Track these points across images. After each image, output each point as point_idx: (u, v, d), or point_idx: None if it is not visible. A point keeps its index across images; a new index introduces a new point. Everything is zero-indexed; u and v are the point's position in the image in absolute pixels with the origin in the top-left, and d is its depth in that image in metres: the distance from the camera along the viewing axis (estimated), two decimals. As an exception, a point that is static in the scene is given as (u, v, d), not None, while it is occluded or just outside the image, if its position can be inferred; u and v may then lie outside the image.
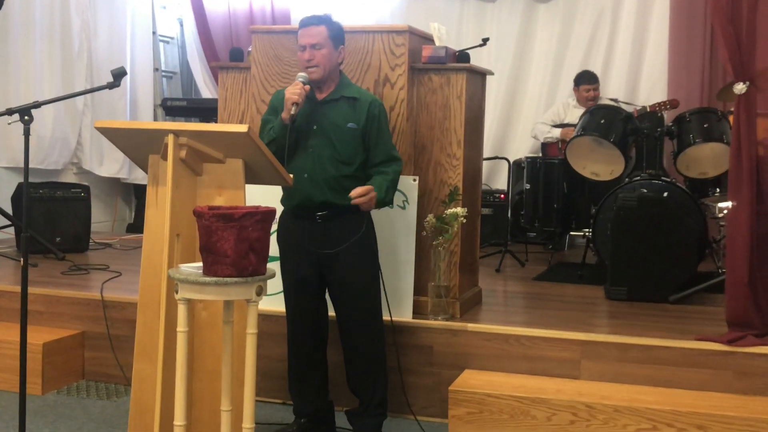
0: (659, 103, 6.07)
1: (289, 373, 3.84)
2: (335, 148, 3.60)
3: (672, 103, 6.07)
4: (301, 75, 3.58)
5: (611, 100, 6.80)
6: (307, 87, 3.56)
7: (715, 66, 7.05)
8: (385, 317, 3.90)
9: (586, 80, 6.87)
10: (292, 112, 3.50)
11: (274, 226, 3.85)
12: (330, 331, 3.84)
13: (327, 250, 3.60)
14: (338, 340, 3.81)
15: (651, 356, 3.88)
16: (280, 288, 4.15)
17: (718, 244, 5.46)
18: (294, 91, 3.51)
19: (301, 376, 3.81)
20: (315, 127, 3.61)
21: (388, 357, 3.88)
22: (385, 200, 3.64)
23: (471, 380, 3.93)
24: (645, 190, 5.22)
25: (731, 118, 4.67)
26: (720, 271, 5.16)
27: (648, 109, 5.99)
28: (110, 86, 3.81)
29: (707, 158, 5.54)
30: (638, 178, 5.46)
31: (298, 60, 3.67)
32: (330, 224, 3.62)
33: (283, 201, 3.75)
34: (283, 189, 3.70)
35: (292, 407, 3.90)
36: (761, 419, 3.48)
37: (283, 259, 3.77)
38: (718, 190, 5.70)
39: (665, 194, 5.20)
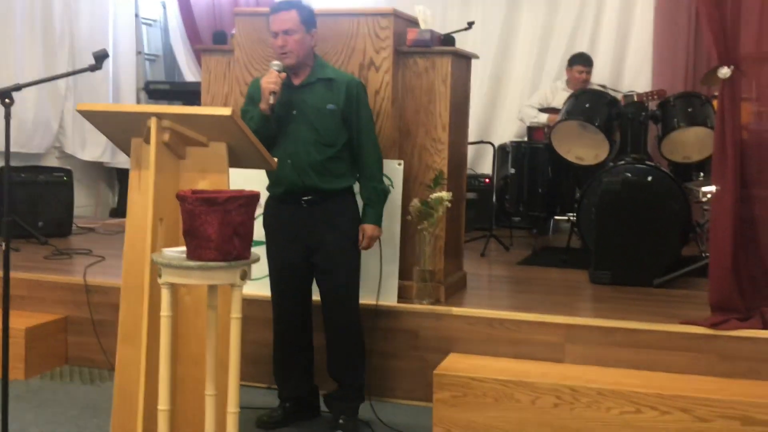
0: (646, 93, 6.07)
1: (274, 358, 3.85)
2: (317, 131, 3.60)
3: (659, 93, 6.06)
4: (275, 63, 3.57)
5: (600, 86, 6.79)
6: (283, 74, 3.54)
7: (700, 50, 7.05)
8: (371, 301, 3.90)
9: (581, 61, 6.85)
10: (271, 101, 3.49)
11: (259, 211, 3.84)
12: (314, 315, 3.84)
13: (313, 236, 3.62)
14: (322, 324, 3.80)
15: (635, 339, 3.90)
16: (265, 272, 4.14)
17: (702, 228, 5.48)
18: (270, 80, 3.49)
19: (286, 361, 3.81)
20: (294, 112, 3.60)
21: (374, 341, 3.89)
22: (381, 217, 3.75)
23: (456, 364, 3.94)
24: (629, 175, 5.22)
25: (715, 103, 4.67)
26: (704, 255, 5.18)
27: (635, 98, 5.98)
28: (92, 69, 3.77)
29: (691, 142, 5.55)
30: (622, 162, 5.47)
31: (272, 46, 3.64)
32: (316, 208, 3.62)
33: (268, 188, 3.74)
34: (269, 176, 3.70)
35: (276, 392, 3.90)
36: (744, 401, 3.50)
37: (270, 244, 3.76)
38: (702, 174, 5.72)
39: (649, 178, 5.21)
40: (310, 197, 3.61)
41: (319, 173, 3.59)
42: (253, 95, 3.67)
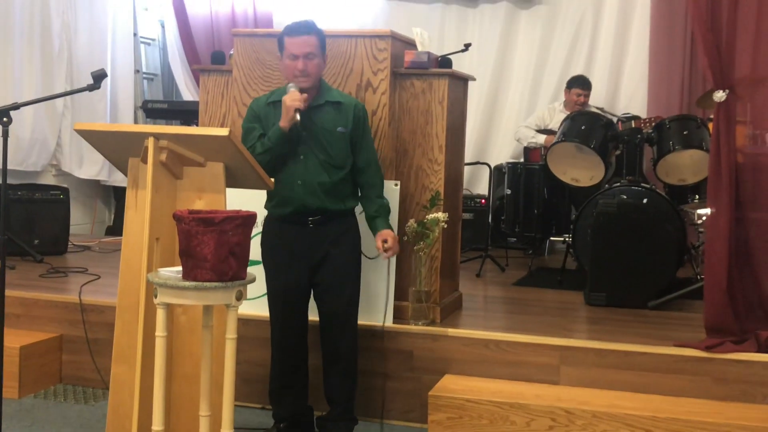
0: (644, 120, 6.10)
1: (272, 378, 3.82)
2: (327, 153, 3.61)
3: (656, 120, 6.10)
4: (292, 85, 3.57)
5: (597, 108, 6.83)
6: (305, 95, 3.55)
7: (695, 73, 7.10)
8: (368, 322, 3.91)
9: (579, 84, 6.89)
10: (297, 119, 3.48)
11: (254, 231, 3.84)
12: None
13: (317, 255, 3.63)
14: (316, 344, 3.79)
15: (630, 362, 3.90)
16: (260, 292, 4.14)
17: (697, 251, 5.50)
18: (294, 98, 3.50)
19: (284, 382, 3.78)
20: (305, 134, 3.60)
21: (370, 362, 3.88)
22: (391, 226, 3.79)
23: (451, 385, 3.93)
24: (625, 197, 5.24)
25: (711, 126, 4.70)
26: (699, 277, 5.19)
27: (633, 125, 6.00)
28: (90, 88, 3.79)
29: (687, 165, 5.57)
30: (618, 184, 5.48)
31: (285, 68, 3.62)
32: (321, 228, 3.63)
33: (270, 207, 3.73)
34: (272, 197, 3.69)
35: (271, 412, 3.89)
36: (738, 425, 3.50)
37: (269, 264, 3.74)
38: (697, 196, 5.74)
39: (645, 200, 5.23)
40: (317, 218, 3.62)
41: (329, 195, 3.61)
42: (258, 113, 3.68)
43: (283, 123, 3.52)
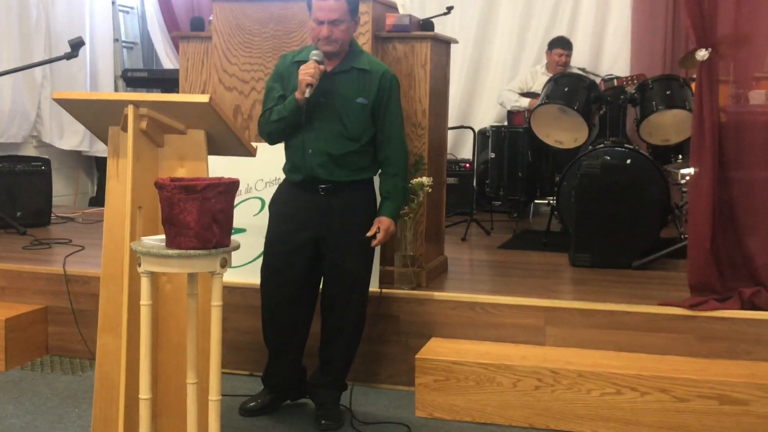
0: (626, 78, 6.10)
1: (268, 344, 3.73)
2: (343, 124, 3.48)
3: (639, 78, 6.10)
4: (316, 53, 3.40)
5: (579, 69, 6.82)
6: (323, 67, 3.40)
7: (678, 33, 7.09)
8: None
9: (560, 45, 6.89)
10: (307, 94, 3.36)
11: (238, 198, 3.83)
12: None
13: (326, 224, 3.51)
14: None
15: (614, 321, 3.93)
16: (246, 260, 4.14)
17: (681, 210, 5.52)
18: (308, 72, 3.35)
19: (279, 347, 3.70)
20: (323, 100, 3.46)
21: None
22: (398, 214, 3.64)
23: (437, 348, 3.96)
24: (608, 158, 5.25)
25: (694, 85, 4.70)
26: (682, 236, 5.22)
27: (615, 83, 6.01)
28: (68, 57, 3.76)
29: (670, 125, 5.58)
30: (601, 145, 5.49)
31: (311, 32, 3.47)
32: (333, 197, 3.51)
33: (286, 173, 3.62)
34: (287, 162, 3.60)
35: (261, 376, 3.89)
36: (722, 381, 3.54)
37: (276, 223, 3.61)
38: (680, 156, 5.75)
39: (628, 161, 5.24)
40: (328, 185, 3.50)
41: (339, 166, 3.48)
42: (282, 72, 3.54)
43: (298, 95, 3.40)
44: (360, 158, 3.54)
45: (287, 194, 3.63)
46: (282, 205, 3.64)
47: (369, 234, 3.55)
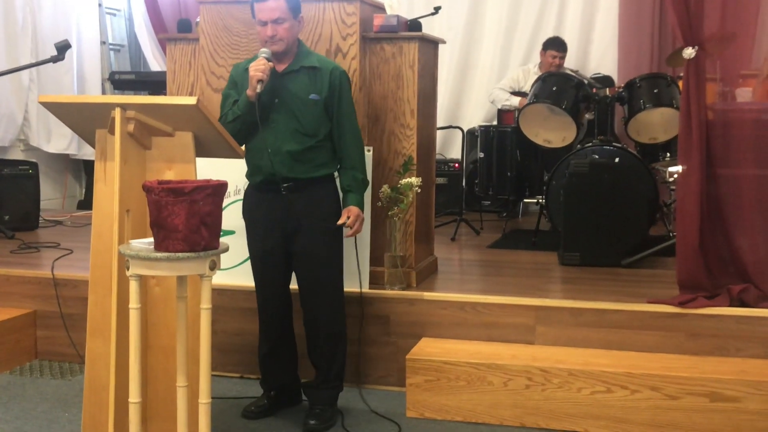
0: (616, 88, 6.11)
1: (259, 346, 3.78)
2: (298, 120, 3.55)
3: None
4: (264, 51, 3.51)
5: (571, 71, 6.83)
6: (271, 63, 3.49)
7: (665, 31, 7.12)
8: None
9: (555, 46, 6.87)
10: (258, 90, 3.43)
11: (227, 200, 3.83)
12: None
13: (292, 222, 3.57)
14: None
15: (604, 320, 3.94)
16: (235, 262, 4.14)
17: (669, 208, 5.54)
18: (258, 68, 3.44)
19: (272, 349, 3.75)
20: (276, 101, 3.55)
21: (347, 328, 3.87)
22: (363, 203, 3.69)
23: (428, 348, 3.96)
24: (596, 156, 5.26)
25: (681, 83, 4.72)
26: (671, 234, 5.24)
27: (608, 92, 5.99)
28: (54, 60, 3.74)
29: (657, 123, 5.60)
30: (590, 144, 5.50)
31: (258, 35, 3.58)
32: (295, 196, 3.57)
33: (247, 176, 3.69)
34: (248, 164, 3.65)
35: (258, 381, 3.88)
36: (712, 378, 3.55)
37: (249, 232, 3.72)
38: (668, 154, 5.77)
39: (616, 160, 5.25)
40: (289, 184, 3.56)
41: (298, 162, 3.55)
42: (236, 79, 3.63)
43: (249, 92, 3.48)
44: (318, 154, 3.60)
45: (253, 199, 3.71)
46: (250, 212, 3.72)
47: (339, 222, 3.61)
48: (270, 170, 3.55)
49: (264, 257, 3.66)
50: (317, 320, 3.69)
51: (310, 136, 3.57)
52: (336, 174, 3.72)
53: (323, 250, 3.64)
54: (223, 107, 3.65)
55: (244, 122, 3.53)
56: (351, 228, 3.62)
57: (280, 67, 3.58)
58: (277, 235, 3.62)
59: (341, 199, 3.68)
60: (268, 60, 3.49)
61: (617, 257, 4.86)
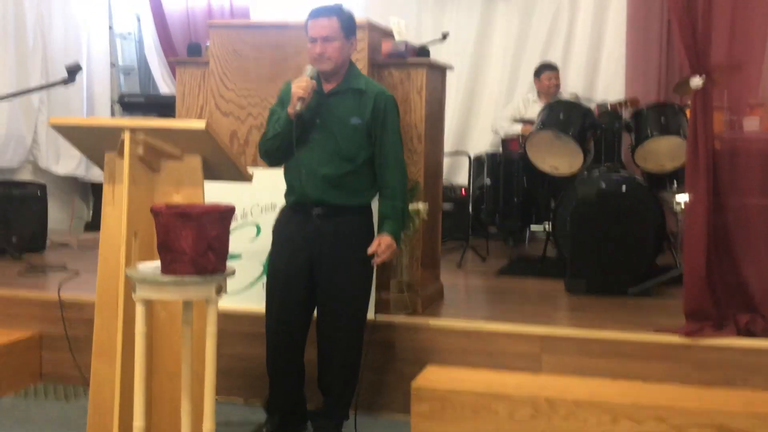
0: (619, 102, 6.14)
1: (269, 370, 3.70)
2: (338, 144, 3.49)
3: (632, 102, 6.14)
4: (309, 68, 3.47)
5: (572, 95, 6.84)
6: (314, 82, 3.44)
7: (672, 60, 7.13)
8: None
9: (546, 68, 6.93)
10: (298, 108, 3.38)
11: (234, 224, 3.83)
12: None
13: (317, 249, 3.50)
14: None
15: (610, 349, 3.91)
16: (241, 286, 4.14)
17: (676, 237, 5.52)
18: (300, 86, 3.39)
19: (280, 373, 3.68)
20: (318, 121, 3.49)
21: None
22: (400, 234, 3.63)
23: (433, 376, 3.93)
24: (603, 184, 5.26)
25: (688, 112, 4.72)
26: (678, 263, 5.22)
27: (609, 107, 6.05)
28: (65, 82, 3.75)
29: (665, 152, 5.60)
30: (597, 172, 5.50)
31: (308, 52, 3.53)
32: (325, 222, 3.50)
33: (285, 196, 3.63)
34: (286, 183, 3.60)
35: (262, 406, 3.85)
36: (719, 410, 3.52)
37: (274, 251, 3.65)
38: (675, 183, 5.76)
39: (623, 188, 5.25)
40: (321, 210, 3.49)
41: (333, 187, 3.48)
42: (284, 98, 3.56)
43: (289, 109, 3.42)
44: (356, 180, 3.53)
45: (285, 218, 3.66)
46: (280, 229, 3.66)
47: (370, 251, 3.51)
48: (302, 191, 3.50)
49: (286, 279, 3.57)
50: (333, 351, 3.62)
51: (348, 160, 3.50)
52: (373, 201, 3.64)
53: (348, 285, 3.55)
54: (269, 123, 3.59)
55: (282, 141, 3.47)
56: (379, 257, 3.52)
57: (327, 87, 3.53)
58: (302, 259, 3.54)
59: (378, 226, 3.60)
60: (312, 78, 3.44)
61: (624, 286, 4.84)
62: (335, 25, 3.46)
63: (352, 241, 3.54)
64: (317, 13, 3.49)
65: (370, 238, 3.59)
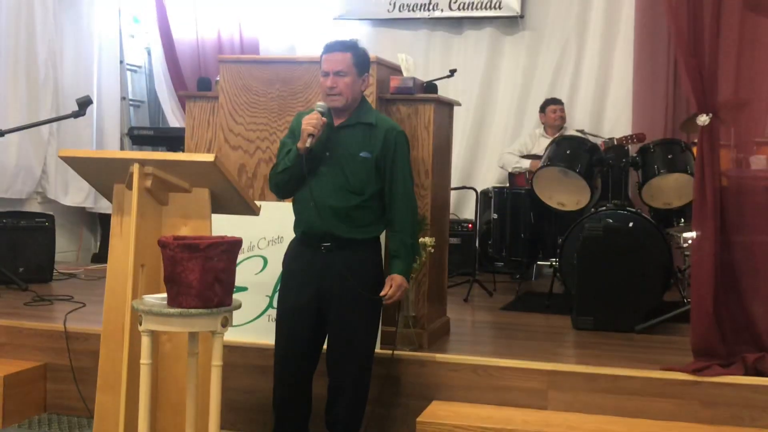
0: (626, 137, 6.17)
1: (275, 403, 3.69)
2: (346, 177, 3.49)
3: (638, 137, 6.16)
4: (320, 105, 3.49)
5: (578, 131, 6.87)
6: (324, 119, 3.45)
7: (679, 97, 7.15)
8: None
9: (551, 102, 7.03)
10: (308, 144, 3.39)
11: (240, 257, 3.83)
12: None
13: (327, 283, 3.50)
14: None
15: (617, 386, 3.89)
16: (246, 319, 4.13)
17: (683, 274, 5.51)
18: (310, 122, 3.40)
19: (286, 407, 3.66)
20: (327, 154, 3.50)
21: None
22: (410, 272, 3.64)
23: (439, 411, 3.91)
24: (610, 220, 5.26)
25: (695, 149, 4.73)
26: (685, 300, 5.20)
27: (615, 143, 6.08)
28: (75, 115, 3.80)
29: (672, 189, 5.60)
30: (604, 208, 5.51)
31: (320, 86, 3.56)
32: (334, 255, 3.50)
33: (293, 228, 3.64)
34: (294, 214, 3.61)
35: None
36: (727, 449, 3.49)
37: (283, 285, 3.65)
38: (682, 220, 5.76)
39: (631, 224, 5.25)
40: (329, 244, 3.49)
41: (341, 220, 3.48)
42: (295, 130, 3.57)
43: (299, 144, 3.44)
44: (364, 214, 3.53)
45: (294, 251, 3.65)
46: (288, 262, 3.66)
47: (383, 294, 3.53)
48: (311, 223, 3.50)
49: (294, 313, 3.57)
50: (342, 385, 3.60)
51: (355, 194, 3.51)
52: (382, 236, 3.65)
53: (357, 318, 3.54)
54: (279, 155, 3.61)
55: (292, 175, 3.49)
56: (391, 299, 3.54)
57: (338, 121, 3.55)
58: (311, 292, 3.53)
59: (389, 264, 3.61)
60: (323, 115, 3.45)
61: (631, 322, 4.82)
62: (349, 61, 3.48)
63: (361, 275, 3.53)
64: (332, 48, 3.51)
65: (378, 272, 3.60)
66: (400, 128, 3.64)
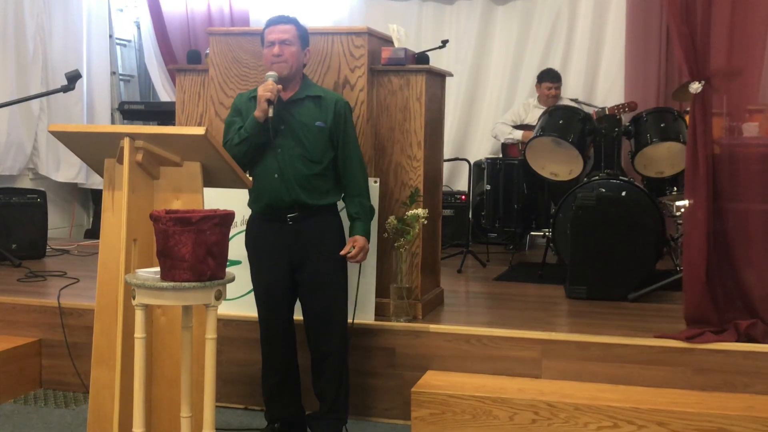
0: (618, 106, 6.15)
1: (263, 377, 3.79)
2: (304, 146, 3.60)
3: (630, 106, 6.15)
4: (271, 74, 3.58)
5: (572, 100, 6.86)
6: (279, 86, 3.56)
7: (671, 66, 7.14)
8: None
9: (548, 78, 6.94)
10: (270, 113, 3.49)
11: (234, 230, 3.83)
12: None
13: (299, 252, 3.61)
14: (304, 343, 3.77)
15: (611, 354, 3.91)
16: (240, 292, 4.14)
17: (676, 242, 5.53)
18: (267, 89, 3.51)
19: (276, 381, 3.75)
20: (283, 127, 3.60)
21: (352, 360, 3.87)
22: (370, 231, 3.75)
23: (433, 381, 3.94)
24: (603, 190, 5.26)
25: (687, 118, 4.73)
26: (678, 268, 5.22)
27: (606, 112, 6.07)
28: (64, 89, 3.77)
29: (664, 157, 5.61)
30: (597, 177, 5.51)
31: (264, 57, 3.66)
32: (302, 225, 3.61)
33: (250, 204, 3.72)
34: (251, 191, 3.68)
35: (262, 412, 3.86)
36: (720, 414, 3.52)
37: (254, 263, 3.74)
38: (675, 188, 5.77)
39: (623, 193, 5.25)
40: (295, 214, 3.60)
41: (305, 188, 3.58)
42: (239, 107, 3.70)
43: (257, 113, 3.53)
44: (324, 181, 3.65)
45: (257, 228, 3.73)
46: (254, 243, 3.74)
47: (343, 252, 3.65)
48: (278, 194, 3.58)
49: (270, 289, 3.68)
50: (323, 350, 3.69)
51: (315, 162, 3.61)
52: (339, 202, 3.74)
53: (330, 280, 3.66)
54: (226, 133, 3.68)
55: (251, 144, 3.56)
56: (354, 258, 3.66)
57: (286, 96, 3.64)
58: (284, 265, 3.64)
59: (350, 226, 3.71)
60: (276, 82, 3.55)
61: (624, 291, 4.84)
62: (293, 32, 3.64)
63: (329, 238, 3.67)
64: (276, 20, 3.68)
65: (342, 234, 3.74)
66: (345, 99, 3.79)
